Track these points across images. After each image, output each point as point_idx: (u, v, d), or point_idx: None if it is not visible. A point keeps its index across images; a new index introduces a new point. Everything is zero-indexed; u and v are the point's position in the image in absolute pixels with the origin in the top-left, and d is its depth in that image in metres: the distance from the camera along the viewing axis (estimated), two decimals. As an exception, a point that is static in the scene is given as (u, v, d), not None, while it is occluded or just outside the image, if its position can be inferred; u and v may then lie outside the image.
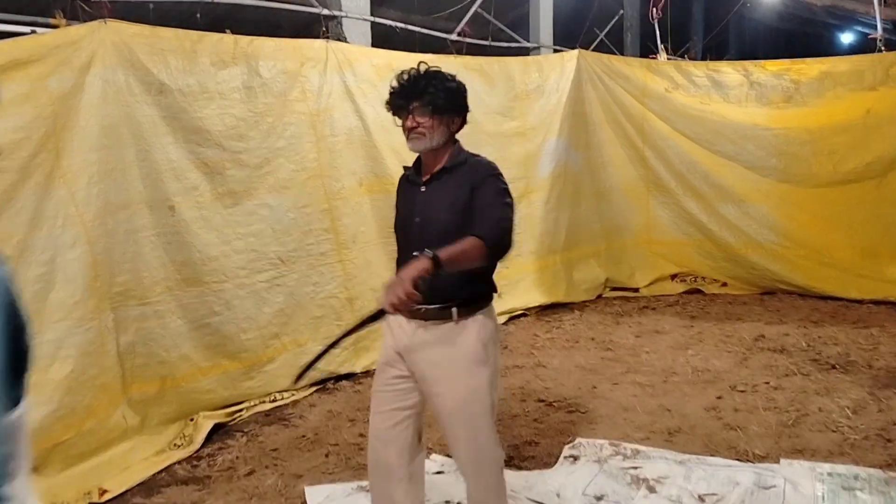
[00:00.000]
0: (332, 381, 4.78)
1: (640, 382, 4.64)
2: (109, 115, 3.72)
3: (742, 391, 4.42)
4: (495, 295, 2.64)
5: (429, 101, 2.44)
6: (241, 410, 4.33)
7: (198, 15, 4.34)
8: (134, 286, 3.89)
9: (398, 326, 2.57)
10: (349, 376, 4.87)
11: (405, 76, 2.48)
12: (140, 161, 3.87)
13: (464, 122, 2.58)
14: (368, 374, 4.89)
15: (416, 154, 2.58)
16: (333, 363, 4.76)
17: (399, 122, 2.52)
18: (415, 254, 2.34)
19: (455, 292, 2.48)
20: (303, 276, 4.65)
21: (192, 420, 4.12)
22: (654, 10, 7.18)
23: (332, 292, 4.80)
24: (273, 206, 4.49)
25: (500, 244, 2.39)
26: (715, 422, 4.00)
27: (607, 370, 4.90)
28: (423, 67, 2.50)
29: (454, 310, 2.48)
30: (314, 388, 4.68)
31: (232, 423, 4.24)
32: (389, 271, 5.18)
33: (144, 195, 3.90)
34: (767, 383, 4.51)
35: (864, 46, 12.82)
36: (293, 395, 4.57)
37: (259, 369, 4.46)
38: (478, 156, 2.58)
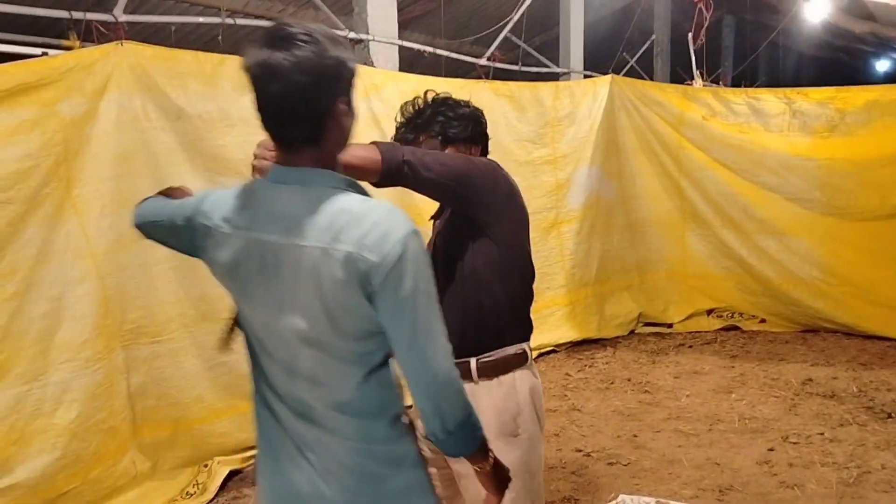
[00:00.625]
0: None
1: (684, 431, 4.33)
2: (124, 143, 3.51)
3: (795, 443, 4.10)
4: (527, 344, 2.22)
5: (439, 131, 2.16)
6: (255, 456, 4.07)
7: (219, 37, 4.15)
8: (146, 323, 3.66)
9: None
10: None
11: (410, 107, 2.20)
12: (155, 191, 3.63)
13: (485, 150, 2.28)
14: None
15: None
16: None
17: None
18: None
19: (473, 341, 2.09)
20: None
21: (206, 466, 3.87)
22: (697, 35, 6.93)
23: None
24: (294, 238, 4.26)
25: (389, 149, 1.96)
26: (769, 478, 3.69)
27: (647, 416, 4.59)
28: (430, 95, 2.22)
29: (472, 364, 2.09)
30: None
31: (249, 468, 3.98)
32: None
33: (159, 227, 3.67)
34: (822, 434, 4.19)
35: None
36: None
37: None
38: None
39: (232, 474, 3.88)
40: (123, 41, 3.48)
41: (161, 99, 3.65)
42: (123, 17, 3.53)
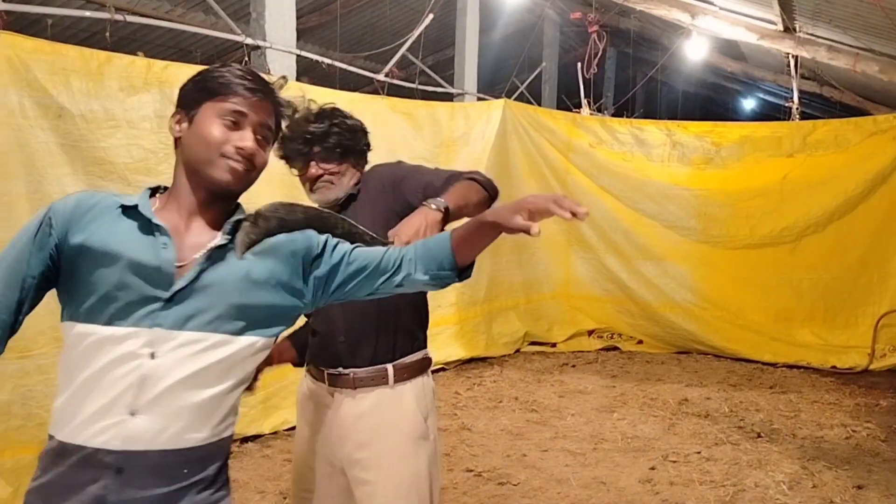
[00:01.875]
0: (237, 444, 4.32)
1: (570, 450, 4.41)
2: (-3, 140, 3.24)
3: (675, 461, 4.25)
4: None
5: (335, 142, 2.06)
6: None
7: (107, 34, 3.91)
8: (14, 337, 3.36)
9: (315, 405, 2.14)
10: (255, 437, 4.43)
11: (302, 119, 2.03)
12: (31, 193, 3.38)
13: (366, 161, 2.19)
14: (278, 435, 4.48)
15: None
16: (239, 423, 4.30)
17: (295, 171, 2.11)
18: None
19: (388, 347, 2.07)
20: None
21: (74, 491, 3.59)
22: (589, 64, 7.17)
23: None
24: (181, 248, 4.05)
25: (487, 180, 2.01)
26: (652, 497, 3.80)
27: (535, 434, 4.65)
28: (314, 106, 2.07)
29: (389, 370, 2.07)
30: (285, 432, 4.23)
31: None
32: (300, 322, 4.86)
33: (33, 232, 3.40)
34: (699, 453, 4.36)
35: (765, 113, 13.47)
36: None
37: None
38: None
39: (104, 499, 3.63)
40: (1, 31, 3.21)
41: (41, 95, 3.39)
42: (2, 6, 3.26)
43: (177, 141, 1.45)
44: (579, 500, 3.75)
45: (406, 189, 2.07)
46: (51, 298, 3.39)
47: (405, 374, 2.09)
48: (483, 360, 6.28)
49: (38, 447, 3.48)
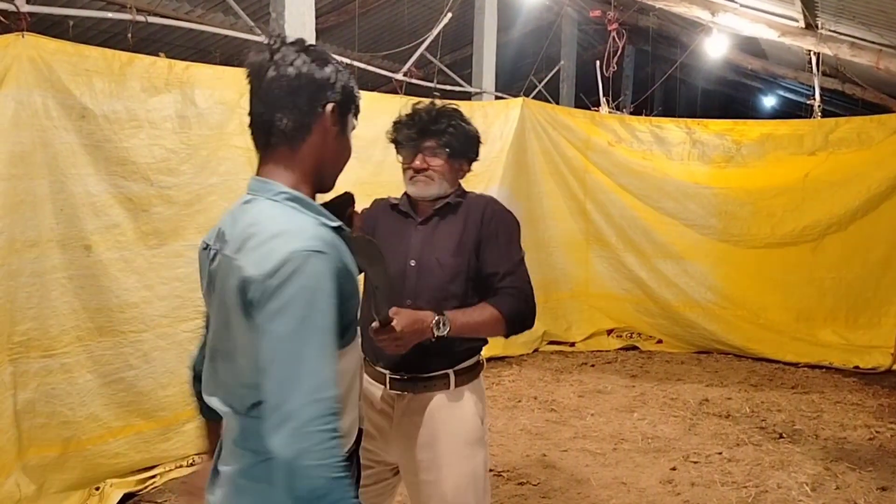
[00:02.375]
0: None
1: (590, 450, 4.39)
2: (21, 142, 3.26)
3: (696, 462, 4.23)
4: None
5: (446, 141, 2.15)
6: (154, 477, 3.86)
7: (129, 34, 3.93)
8: (38, 335, 3.39)
9: (369, 401, 2.17)
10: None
11: (422, 110, 2.18)
12: (54, 194, 3.41)
13: (469, 170, 2.29)
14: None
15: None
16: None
17: (401, 159, 2.22)
18: (408, 302, 2.03)
19: (450, 352, 2.13)
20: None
21: (97, 489, 3.63)
22: (609, 62, 7.13)
23: (261, 344, 4.38)
24: (202, 247, 4.07)
25: (523, 323, 2.13)
26: (673, 498, 3.78)
27: (554, 434, 4.64)
28: (439, 102, 2.22)
29: (451, 375, 2.13)
30: (237, 450, 4.23)
31: (144, 491, 3.77)
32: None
33: (57, 232, 3.43)
34: (720, 454, 4.33)
35: (786, 111, 13.34)
36: (214, 457, 4.12)
37: (177, 429, 3.99)
38: (473, 192, 2.31)
39: (126, 497, 3.66)
40: (25, 33, 3.24)
41: (64, 96, 3.42)
42: (26, 8, 3.28)
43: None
44: (599, 501, 3.74)
45: (484, 248, 2.17)
46: (73, 297, 3.42)
47: (464, 379, 2.17)
48: (501, 359, 6.26)
49: (61, 446, 3.53)
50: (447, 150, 2.16)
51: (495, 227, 2.20)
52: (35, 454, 3.47)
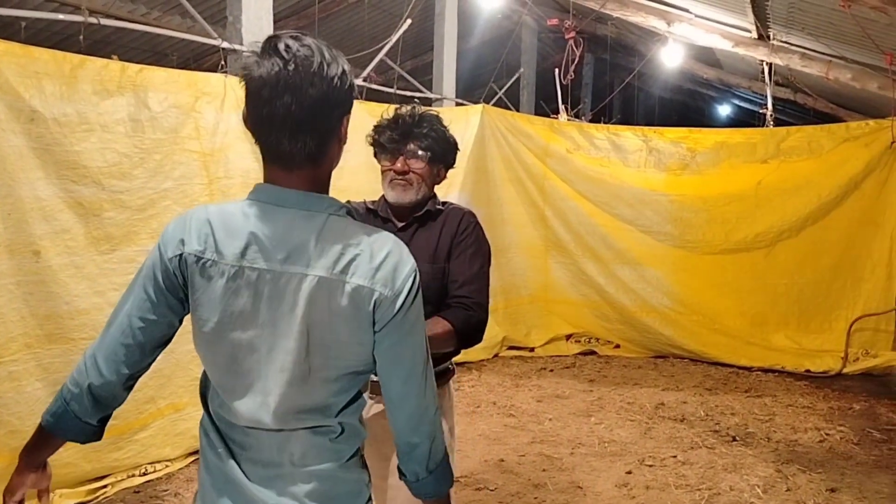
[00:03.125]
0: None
1: (548, 454, 4.42)
2: (-33, 144, 3.19)
3: (651, 465, 4.28)
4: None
5: (428, 145, 2.18)
6: (105, 487, 3.78)
7: (81, 37, 3.86)
8: (-16, 343, 3.31)
9: None
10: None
11: (406, 114, 2.21)
12: (1, 198, 3.32)
13: (445, 177, 2.32)
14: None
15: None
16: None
17: (381, 161, 2.23)
18: None
19: None
20: (184, 331, 4.11)
21: (45, 500, 3.54)
22: (567, 70, 7.20)
23: (217, 350, 4.32)
24: (155, 253, 4.01)
25: (471, 336, 2.16)
26: (628, 501, 3.82)
27: (512, 439, 4.65)
28: (419, 108, 2.25)
29: None
30: (193, 458, 4.18)
31: (94, 501, 3.69)
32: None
33: (4, 237, 3.34)
34: (675, 457, 4.39)
35: (740, 120, 13.61)
36: (168, 466, 4.06)
37: (129, 438, 3.92)
38: (452, 203, 2.33)
39: (76, 508, 3.58)
40: (-29, 33, 3.17)
41: (13, 98, 3.34)
42: (-27, 7, 3.22)
43: None
44: (556, 505, 3.76)
45: (452, 256, 2.22)
46: (21, 304, 3.34)
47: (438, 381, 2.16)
48: (461, 364, 6.27)
49: (9, 455, 3.45)
50: (429, 153, 2.19)
51: (466, 238, 2.24)
52: (-19, 464, 3.38)
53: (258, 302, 1.35)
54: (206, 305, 1.37)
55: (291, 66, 1.29)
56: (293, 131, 1.32)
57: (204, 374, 1.51)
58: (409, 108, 2.26)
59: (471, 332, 2.16)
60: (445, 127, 2.27)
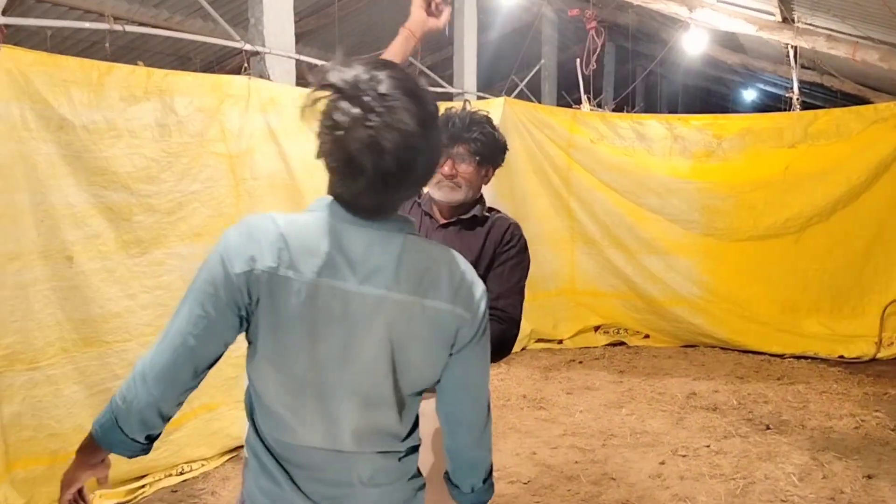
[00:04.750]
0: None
1: (580, 447, 4.41)
2: (0, 154, 3.24)
3: (684, 455, 4.25)
4: None
5: (476, 149, 2.17)
6: (143, 487, 3.84)
7: (106, 44, 3.92)
8: (23, 349, 3.37)
9: None
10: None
11: (455, 116, 2.20)
12: (35, 206, 3.39)
13: (493, 176, 2.32)
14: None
15: None
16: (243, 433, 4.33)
17: None
18: None
19: None
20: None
21: (86, 501, 3.61)
22: (588, 60, 7.17)
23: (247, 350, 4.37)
24: (185, 255, 4.06)
25: (501, 352, 2.13)
26: (662, 492, 3.80)
27: (544, 432, 4.65)
28: (469, 108, 2.24)
29: None
30: (227, 457, 4.23)
31: (133, 501, 3.75)
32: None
33: (38, 244, 3.41)
34: (708, 446, 4.36)
35: (765, 104, 13.44)
36: (203, 465, 4.12)
37: (164, 438, 3.92)
38: (498, 210, 2.32)
39: (116, 508, 3.65)
40: (1, 45, 3.22)
41: (42, 107, 3.40)
42: (2, 19, 3.26)
43: None
44: (589, 497, 3.76)
45: (493, 266, 2.20)
46: (57, 309, 3.40)
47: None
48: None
49: (49, 458, 3.52)
50: (477, 157, 2.18)
51: (510, 249, 2.23)
52: (22, 468, 3.45)
53: (335, 322, 1.29)
54: (276, 324, 1.30)
55: (421, 122, 1.22)
56: (394, 184, 1.26)
57: (249, 394, 1.44)
58: (459, 109, 2.25)
59: (502, 347, 2.14)
60: (495, 128, 2.26)
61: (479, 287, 1.38)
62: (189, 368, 1.35)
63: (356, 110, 1.19)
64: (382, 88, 1.21)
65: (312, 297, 1.28)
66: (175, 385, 1.36)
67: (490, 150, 2.21)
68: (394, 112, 1.20)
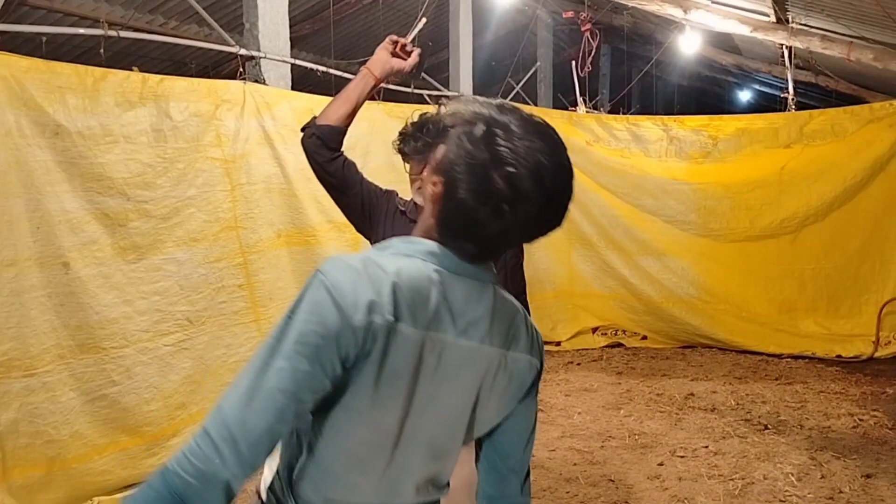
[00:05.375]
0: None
1: (578, 448, 4.41)
2: (-5, 160, 3.24)
3: (682, 456, 4.26)
4: None
5: None
6: (141, 493, 3.83)
7: (101, 50, 3.92)
8: (19, 355, 3.37)
9: None
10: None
11: (430, 119, 2.09)
12: (30, 212, 3.38)
13: None
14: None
15: None
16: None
17: (409, 169, 2.21)
18: None
19: None
20: (213, 337, 4.21)
21: (83, 507, 3.60)
22: (584, 63, 7.18)
23: (245, 355, 4.37)
24: (181, 260, 4.06)
25: None
26: (661, 493, 3.80)
27: (542, 434, 4.65)
28: (444, 109, 2.21)
29: None
30: (225, 463, 4.21)
31: (131, 508, 3.74)
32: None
33: (34, 250, 3.40)
34: (706, 447, 4.36)
35: (761, 105, 13.45)
36: (201, 471, 4.10)
37: (162, 444, 3.97)
38: None
39: (114, 514, 3.64)
40: (-5, 51, 3.22)
41: (37, 114, 3.40)
42: (-4, 26, 3.28)
43: None
44: (588, 499, 3.76)
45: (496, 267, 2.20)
46: (53, 315, 3.40)
47: None
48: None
49: (46, 465, 3.51)
50: None
51: (504, 252, 2.22)
52: (20, 475, 3.44)
53: (429, 374, 1.21)
54: (379, 377, 1.16)
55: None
56: (536, 227, 1.23)
57: (295, 451, 1.25)
58: (434, 112, 2.23)
59: None
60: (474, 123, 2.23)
61: (540, 335, 1.38)
62: (285, 430, 1.14)
63: (529, 143, 1.15)
64: (543, 129, 1.20)
65: (419, 350, 1.19)
66: (269, 451, 1.13)
67: None
68: (560, 152, 1.20)
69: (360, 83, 2.16)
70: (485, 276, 1.26)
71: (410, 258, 1.21)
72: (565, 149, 1.21)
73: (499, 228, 1.17)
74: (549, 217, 1.22)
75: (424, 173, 1.81)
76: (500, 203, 1.14)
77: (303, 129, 2.22)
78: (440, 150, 1.26)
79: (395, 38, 2.16)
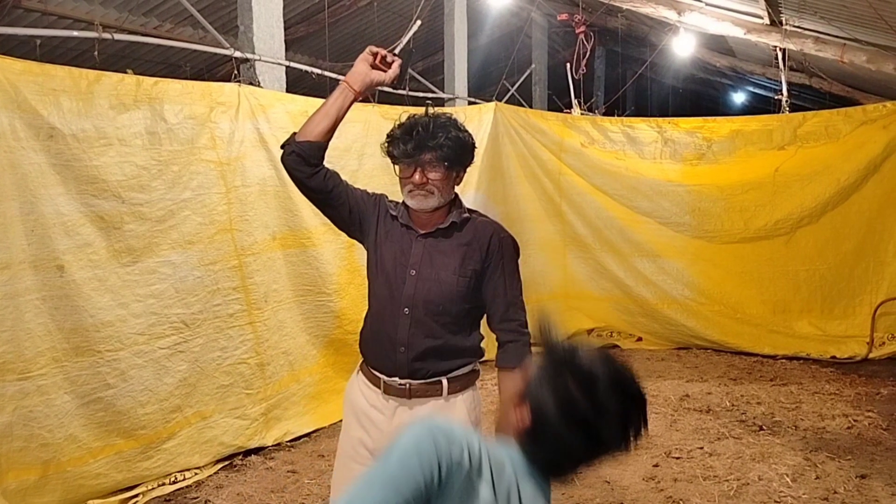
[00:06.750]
0: (239, 457, 4.33)
1: (573, 450, 4.41)
2: (-11, 163, 3.24)
3: (678, 457, 4.26)
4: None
5: (444, 154, 2.13)
6: (136, 496, 3.83)
7: (95, 52, 3.91)
8: (13, 358, 3.36)
9: (369, 409, 2.22)
10: (258, 450, 4.43)
11: (419, 124, 2.15)
12: (24, 215, 3.38)
13: (464, 175, 2.30)
14: (280, 447, 4.48)
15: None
16: (241, 436, 4.33)
17: (398, 171, 2.21)
18: (405, 310, 2.13)
19: (447, 362, 2.21)
20: (209, 340, 4.21)
21: (78, 511, 3.59)
22: (578, 65, 7.19)
23: (241, 357, 4.37)
24: (177, 263, 4.05)
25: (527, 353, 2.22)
26: (656, 494, 3.81)
27: (537, 437, 4.65)
28: (433, 113, 2.21)
29: (444, 383, 2.20)
30: (220, 466, 4.22)
31: (126, 511, 3.74)
32: (304, 332, 4.84)
33: (28, 254, 3.40)
34: (702, 448, 4.37)
35: (755, 107, 13.50)
36: (196, 474, 4.10)
37: (157, 447, 3.96)
38: (476, 211, 2.32)
39: (109, 518, 3.63)
40: (-11, 54, 3.22)
41: (31, 116, 3.39)
42: (-11, 28, 3.27)
43: None
44: (584, 500, 3.76)
45: (489, 277, 2.25)
46: (48, 318, 3.39)
47: (458, 387, 2.23)
48: (483, 362, 6.26)
49: (40, 468, 3.50)
50: (445, 163, 2.15)
51: (501, 257, 2.25)
52: (14, 478, 3.43)
53: None
54: None
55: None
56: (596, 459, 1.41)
57: None
58: (422, 115, 2.21)
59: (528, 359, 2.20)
60: (461, 129, 2.22)
61: None
62: None
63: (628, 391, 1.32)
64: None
65: None
66: None
67: (457, 154, 2.18)
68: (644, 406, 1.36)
69: (339, 97, 2.13)
70: (546, 485, 1.40)
71: (497, 449, 1.36)
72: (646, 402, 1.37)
73: (581, 455, 1.38)
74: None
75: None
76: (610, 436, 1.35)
77: (282, 147, 2.20)
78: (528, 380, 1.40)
79: (374, 49, 2.14)
